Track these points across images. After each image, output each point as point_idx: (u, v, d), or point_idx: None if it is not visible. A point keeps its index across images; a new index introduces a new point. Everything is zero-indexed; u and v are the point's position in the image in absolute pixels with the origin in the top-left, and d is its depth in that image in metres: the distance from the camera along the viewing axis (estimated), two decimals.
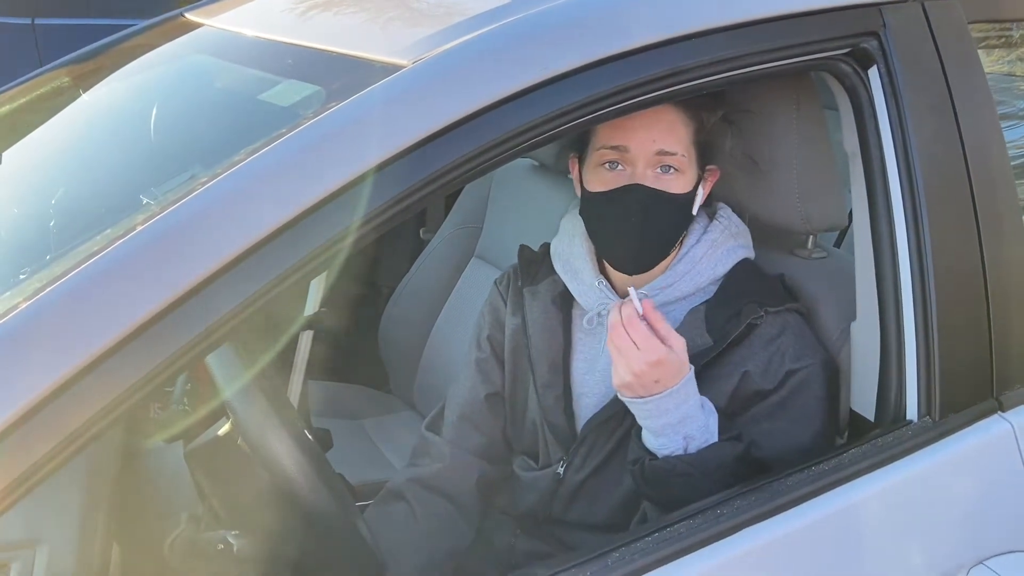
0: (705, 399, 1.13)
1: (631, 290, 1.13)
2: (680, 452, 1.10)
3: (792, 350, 1.17)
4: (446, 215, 2.09)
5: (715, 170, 1.24)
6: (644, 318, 1.08)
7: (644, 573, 0.93)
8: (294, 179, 0.84)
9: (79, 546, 0.95)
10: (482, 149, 0.91)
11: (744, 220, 1.29)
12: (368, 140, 0.87)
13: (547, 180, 1.80)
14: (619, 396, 1.14)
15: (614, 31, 0.97)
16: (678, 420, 1.09)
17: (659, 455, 1.12)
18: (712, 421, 1.12)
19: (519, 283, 1.37)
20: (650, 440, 1.12)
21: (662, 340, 1.08)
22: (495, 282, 1.44)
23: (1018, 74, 1.90)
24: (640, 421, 1.13)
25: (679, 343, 1.09)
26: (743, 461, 1.11)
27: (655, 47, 0.97)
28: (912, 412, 1.10)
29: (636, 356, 1.06)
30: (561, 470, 1.28)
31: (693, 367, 1.11)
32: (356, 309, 2.16)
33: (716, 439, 1.11)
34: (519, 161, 1.89)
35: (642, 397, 1.10)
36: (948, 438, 1.09)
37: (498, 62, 0.93)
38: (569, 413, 1.29)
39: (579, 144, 1.23)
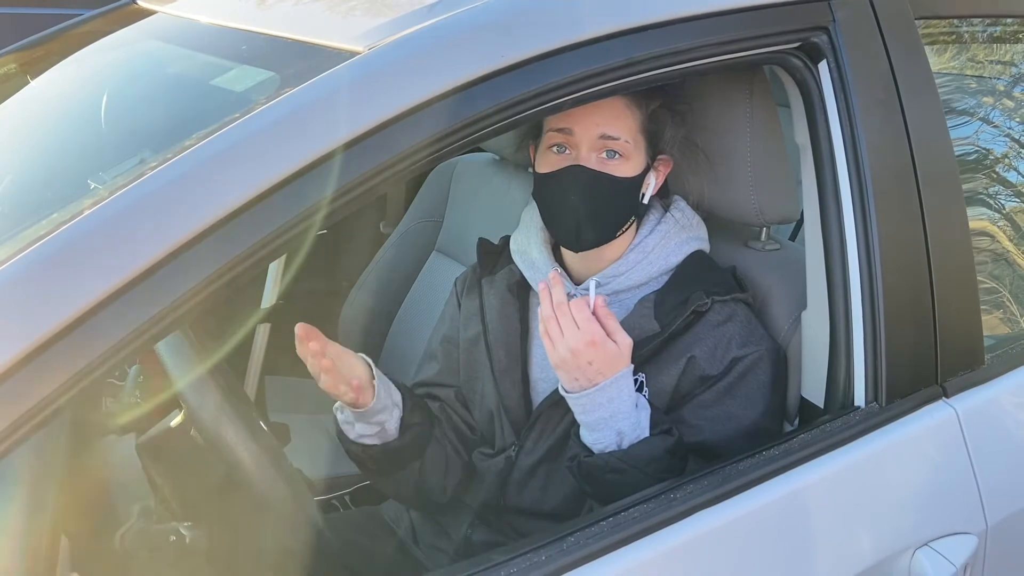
0: (640, 396, 1.15)
1: (591, 282, 1.15)
2: (614, 448, 1.12)
3: (739, 337, 1.19)
4: (406, 209, 2.08)
5: (667, 160, 1.26)
6: (595, 313, 1.11)
7: (599, 556, 0.94)
8: (246, 163, 0.83)
9: (26, 540, 0.92)
10: (438, 136, 0.91)
11: (702, 214, 1.31)
12: (323, 125, 0.86)
13: (507, 174, 1.81)
14: (559, 389, 1.16)
15: (569, 21, 0.98)
16: (610, 415, 1.12)
17: (594, 451, 1.14)
18: (644, 417, 1.14)
19: (478, 274, 1.39)
20: (586, 436, 1.15)
21: (609, 334, 1.11)
22: (454, 282, 1.45)
23: (968, 72, 1.95)
24: (576, 416, 1.15)
25: (624, 340, 1.12)
26: (676, 454, 1.13)
27: (610, 38, 0.98)
28: (860, 398, 1.13)
29: (575, 334, 1.09)
30: (513, 453, 1.30)
31: (632, 365, 1.13)
32: (315, 303, 2.14)
33: (647, 434, 1.13)
34: (479, 155, 1.89)
35: (577, 389, 1.12)
36: (894, 423, 1.12)
37: (455, 49, 0.93)
38: (526, 398, 1.30)
39: (535, 131, 1.26)
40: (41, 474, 0.96)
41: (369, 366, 1.23)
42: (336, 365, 1.17)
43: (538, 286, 1.14)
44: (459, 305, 1.42)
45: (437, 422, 1.36)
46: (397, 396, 1.28)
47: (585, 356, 1.10)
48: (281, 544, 1.12)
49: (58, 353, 0.76)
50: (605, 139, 1.18)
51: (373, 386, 1.22)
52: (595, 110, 1.17)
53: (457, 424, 1.39)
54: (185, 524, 1.04)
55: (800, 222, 1.88)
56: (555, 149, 1.20)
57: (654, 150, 1.24)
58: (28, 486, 0.93)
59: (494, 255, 1.40)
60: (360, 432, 1.27)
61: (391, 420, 1.27)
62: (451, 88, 0.91)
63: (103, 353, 0.78)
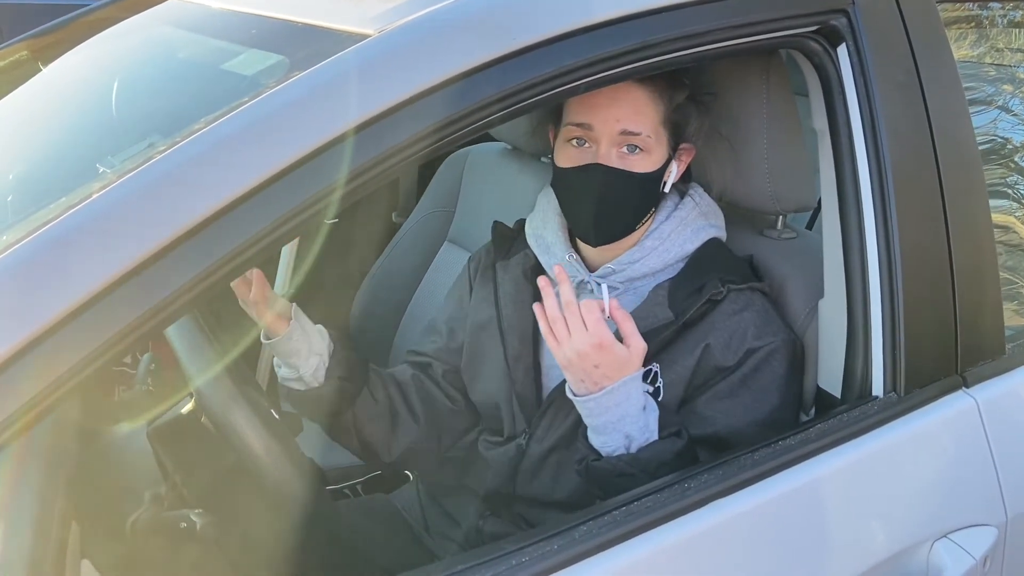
0: (648, 399, 1.12)
1: (604, 287, 1.13)
2: (623, 451, 1.10)
3: (754, 328, 1.17)
4: (418, 199, 2.07)
5: (690, 148, 1.24)
6: (610, 316, 1.08)
7: (611, 546, 0.93)
8: (256, 147, 0.83)
9: (36, 525, 0.93)
10: (450, 120, 0.90)
11: (716, 200, 1.30)
12: (333, 108, 0.85)
13: (520, 164, 1.79)
14: (566, 389, 1.13)
15: (583, 3, 0.96)
16: (617, 419, 1.09)
17: (603, 453, 1.12)
18: (652, 419, 1.11)
19: (492, 257, 1.37)
20: (594, 438, 1.13)
21: (624, 337, 1.08)
22: (468, 260, 1.44)
23: (986, 60, 1.92)
24: (584, 419, 1.13)
25: (638, 344, 1.09)
26: (685, 456, 1.10)
27: (624, 20, 0.97)
28: (878, 388, 1.11)
29: (582, 336, 1.06)
30: (524, 441, 1.28)
31: (642, 370, 1.11)
32: (327, 293, 2.14)
33: (656, 437, 1.10)
34: (491, 144, 1.88)
35: (584, 392, 1.10)
36: (913, 413, 1.10)
37: (466, 32, 0.92)
38: (538, 384, 1.29)
39: (555, 116, 1.23)
40: (53, 460, 0.97)
41: (291, 308, 1.26)
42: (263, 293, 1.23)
43: (540, 284, 1.11)
44: (471, 289, 1.40)
45: (390, 382, 1.35)
46: (319, 346, 1.27)
47: (591, 359, 1.06)
48: (291, 531, 1.12)
49: (68, 336, 0.76)
50: (626, 134, 1.15)
51: (287, 321, 1.24)
52: (615, 104, 1.14)
53: (430, 391, 1.37)
54: (196, 511, 1.04)
55: (816, 211, 1.86)
56: (574, 143, 1.18)
57: (676, 140, 1.21)
58: (40, 472, 0.93)
59: (509, 239, 1.38)
60: (284, 375, 1.29)
61: (305, 366, 1.26)
62: (462, 71, 0.89)
63: (110, 338, 0.77)
